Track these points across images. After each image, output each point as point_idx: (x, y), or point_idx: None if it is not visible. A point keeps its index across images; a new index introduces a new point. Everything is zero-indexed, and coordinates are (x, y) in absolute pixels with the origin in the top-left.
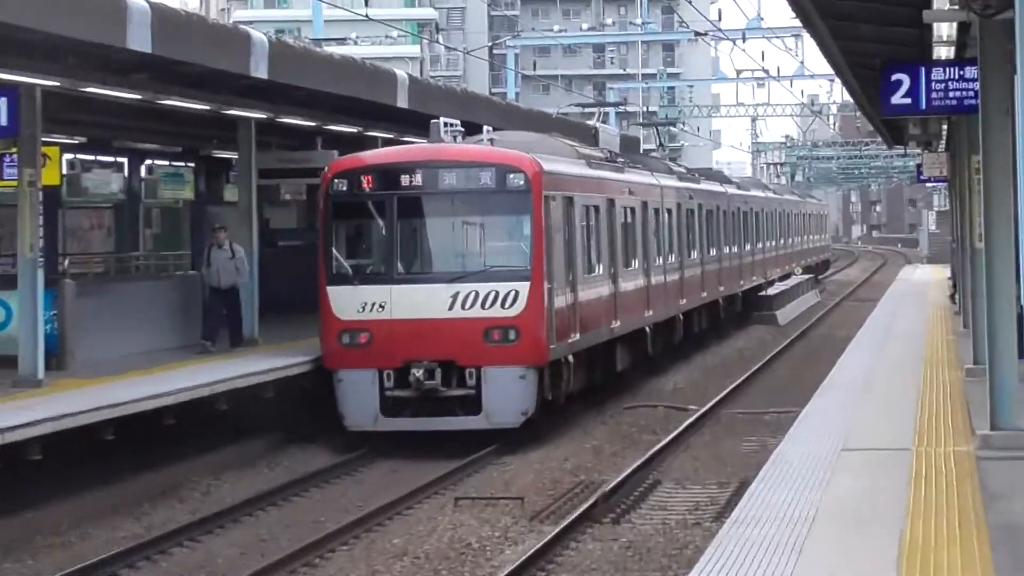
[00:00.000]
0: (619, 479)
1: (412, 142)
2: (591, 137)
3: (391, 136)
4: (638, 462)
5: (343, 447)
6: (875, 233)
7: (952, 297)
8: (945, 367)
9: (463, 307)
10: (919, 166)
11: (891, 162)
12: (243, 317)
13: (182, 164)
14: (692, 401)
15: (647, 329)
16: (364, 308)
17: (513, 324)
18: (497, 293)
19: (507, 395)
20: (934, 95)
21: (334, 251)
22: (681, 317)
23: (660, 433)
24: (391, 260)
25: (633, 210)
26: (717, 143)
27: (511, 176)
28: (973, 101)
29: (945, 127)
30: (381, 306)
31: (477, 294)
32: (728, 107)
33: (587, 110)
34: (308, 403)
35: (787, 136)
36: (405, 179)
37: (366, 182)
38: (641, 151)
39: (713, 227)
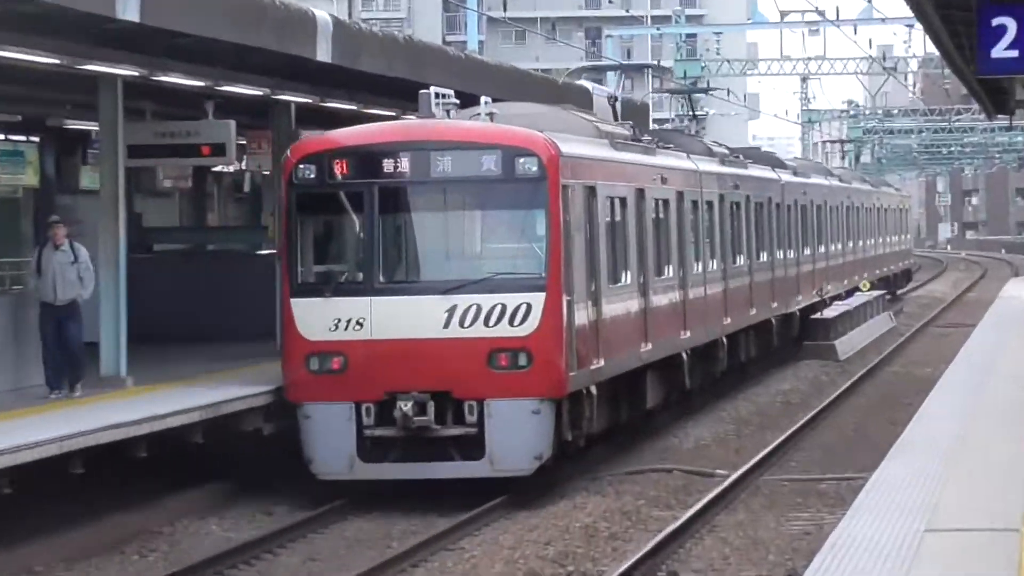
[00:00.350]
0: (619, 573)
1: (339, 109)
2: (587, 103)
3: (309, 100)
4: (645, 549)
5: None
6: (970, 234)
7: None
8: None
9: (462, 325)
10: None
11: (991, 137)
12: (106, 346)
13: (21, 139)
14: (720, 463)
15: (684, 355)
16: (338, 326)
17: (524, 346)
18: (504, 307)
19: (516, 435)
20: None
21: (299, 255)
22: (725, 341)
23: (676, 508)
24: (371, 266)
25: (666, 203)
26: (754, 111)
27: (521, 161)
28: None
29: None
30: (359, 323)
31: (479, 308)
32: (769, 62)
33: (592, 66)
34: (202, 463)
35: (850, 102)
36: (388, 164)
37: (339, 168)
38: (651, 123)
39: (764, 225)
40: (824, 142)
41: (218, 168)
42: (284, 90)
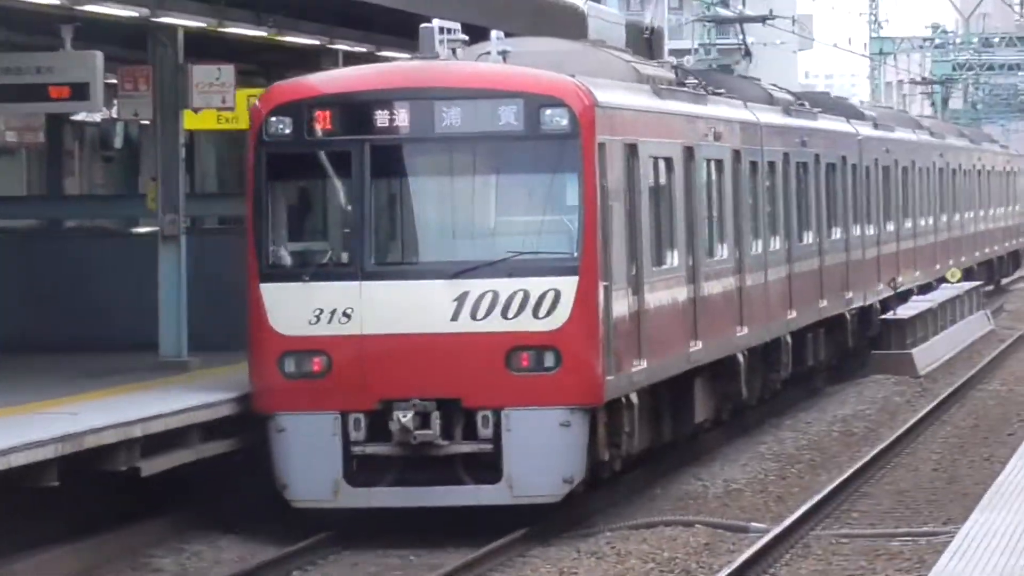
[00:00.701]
0: None
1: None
2: (580, 26)
3: (203, 24)
4: None
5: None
6: None
7: None
8: None
9: (474, 316)
10: None
11: None
12: None
13: None
14: (757, 514)
15: (740, 357)
16: (319, 318)
17: (551, 343)
18: (527, 295)
19: (541, 453)
20: None
21: (270, 229)
22: (789, 340)
23: (697, 575)
24: (361, 243)
25: (720, 164)
26: (806, 39)
27: (548, 112)
28: None
29: None
30: (346, 315)
31: (496, 296)
32: None
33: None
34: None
35: (935, 27)
36: (383, 117)
37: (321, 121)
38: (666, 54)
39: (838, 192)
40: (901, 82)
41: (80, 117)
42: (169, 10)
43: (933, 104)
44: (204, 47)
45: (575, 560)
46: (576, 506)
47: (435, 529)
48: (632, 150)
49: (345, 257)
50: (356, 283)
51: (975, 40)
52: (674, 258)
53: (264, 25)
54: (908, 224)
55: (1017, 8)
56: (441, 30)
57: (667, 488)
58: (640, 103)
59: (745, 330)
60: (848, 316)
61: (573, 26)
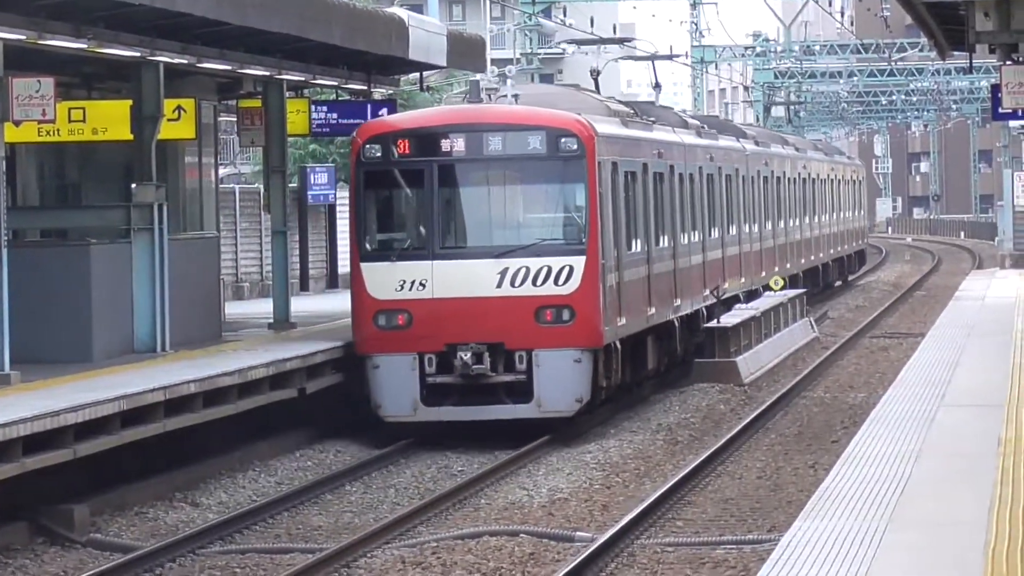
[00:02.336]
0: None
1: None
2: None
3: (24, 37)
4: None
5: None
6: (918, 212)
7: None
8: None
9: (512, 284)
10: (995, 89)
11: (946, 82)
12: None
13: None
14: (582, 523)
15: (675, 322)
16: (403, 286)
17: (567, 303)
18: (550, 269)
19: (561, 380)
20: None
21: (367, 225)
22: (705, 312)
23: None
24: (432, 233)
25: (661, 176)
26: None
27: (563, 140)
28: None
29: None
30: (421, 284)
31: (528, 270)
32: None
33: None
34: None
35: (757, 35)
36: (445, 144)
37: (401, 148)
38: (488, 62)
39: (733, 198)
40: (724, 88)
41: None
42: None
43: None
44: (24, 60)
45: (400, 572)
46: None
47: (483, 437)
48: (615, 166)
49: (420, 243)
50: (428, 262)
51: (796, 48)
52: (637, 245)
53: (84, 37)
54: (781, 225)
55: (838, 16)
56: (490, 89)
57: (492, 498)
58: (617, 132)
59: (679, 302)
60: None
61: (393, 35)
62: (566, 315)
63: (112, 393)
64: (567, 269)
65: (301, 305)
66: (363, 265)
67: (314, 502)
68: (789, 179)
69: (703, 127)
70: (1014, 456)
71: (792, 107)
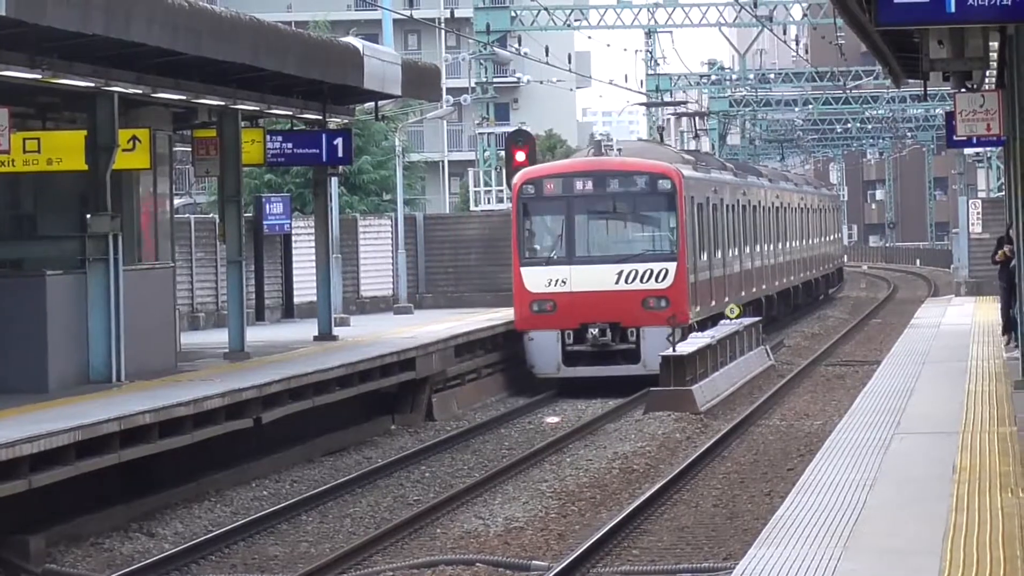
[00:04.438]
0: None
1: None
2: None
3: None
4: None
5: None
6: (874, 239)
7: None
8: (996, 486)
9: (626, 282)
10: (950, 116)
11: (901, 110)
12: None
13: None
14: (538, 552)
15: (762, 300)
16: (550, 283)
17: (664, 295)
18: (652, 271)
19: (660, 348)
20: None
21: (524, 240)
22: (776, 298)
23: None
24: (571, 246)
25: (715, 206)
26: (584, 77)
27: (661, 181)
28: None
29: (996, 45)
30: (563, 281)
31: (636, 272)
32: (602, 10)
33: (364, 19)
34: None
35: (712, 63)
36: (579, 184)
37: (549, 187)
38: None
39: (758, 222)
40: (678, 115)
41: None
42: None
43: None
44: None
45: None
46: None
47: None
48: (693, 199)
49: (562, 253)
50: (568, 266)
51: (751, 76)
52: (708, 255)
53: (38, 68)
54: (782, 245)
55: (793, 45)
56: (607, 145)
57: (448, 527)
58: (693, 174)
59: (743, 293)
60: (792, 289)
61: (348, 65)
62: (664, 303)
63: (67, 424)
64: (664, 271)
65: (257, 335)
66: (522, 269)
67: (270, 532)
68: (791, 208)
69: (735, 169)
70: (968, 483)
71: (747, 135)
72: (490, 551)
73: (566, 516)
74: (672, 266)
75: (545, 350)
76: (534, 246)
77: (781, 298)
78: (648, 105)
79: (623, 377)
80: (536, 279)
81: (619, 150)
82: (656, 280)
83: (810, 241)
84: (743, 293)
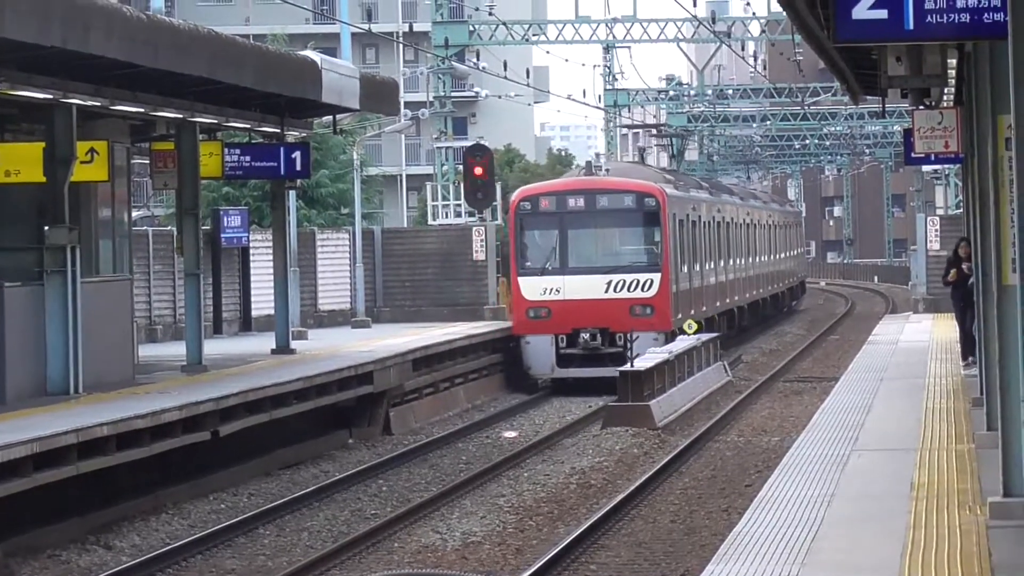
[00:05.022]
0: None
1: None
2: (315, 78)
3: None
4: None
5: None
6: (832, 256)
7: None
8: (954, 503)
9: (615, 291)
10: (908, 133)
11: (859, 126)
12: None
13: None
14: (495, 567)
15: (735, 310)
16: (545, 292)
17: (650, 303)
18: (638, 281)
19: (646, 351)
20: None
21: (522, 252)
22: (756, 304)
23: None
24: (564, 258)
25: (695, 223)
26: (542, 92)
27: (647, 199)
28: (999, 15)
29: (954, 63)
30: (557, 290)
31: (624, 281)
32: (561, 25)
33: (321, 32)
34: None
35: (670, 79)
36: (571, 201)
37: (544, 203)
38: (403, 104)
39: (731, 237)
40: (634, 128)
41: None
42: None
43: (665, 155)
44: None
45: None
46: None
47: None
48: (674, 215)
49: (556, 264)
50: (561, 276)
51: (709, 92)
52: (688, 267)
53: None
54: (751, 259)
55: (751, 61)
56: (597, 166)
57: (405, 541)
58: (675, 193)
59: (718, 304)
60: (761, 302)
61: (306, 78)
62: (649, 310)
63: (24, 435)
64: (649, 281)
65: (214, 348)
66: (520, 278)
67: (227, 545)
68: (760, 224)
69: (710, 188)
70: (927, 500)
71: (706, 151)
72: (447, 565)
73: (524, 531)
74: (657, 276)
75: (540, 353)
76: (530, 258)
77: (751, 309)
78: (640, 127)
79: (611, 378)
80: (532, 288)
81: (607, 170)
82: (642, 289)
83: (777, 256)
84: (718, 303)
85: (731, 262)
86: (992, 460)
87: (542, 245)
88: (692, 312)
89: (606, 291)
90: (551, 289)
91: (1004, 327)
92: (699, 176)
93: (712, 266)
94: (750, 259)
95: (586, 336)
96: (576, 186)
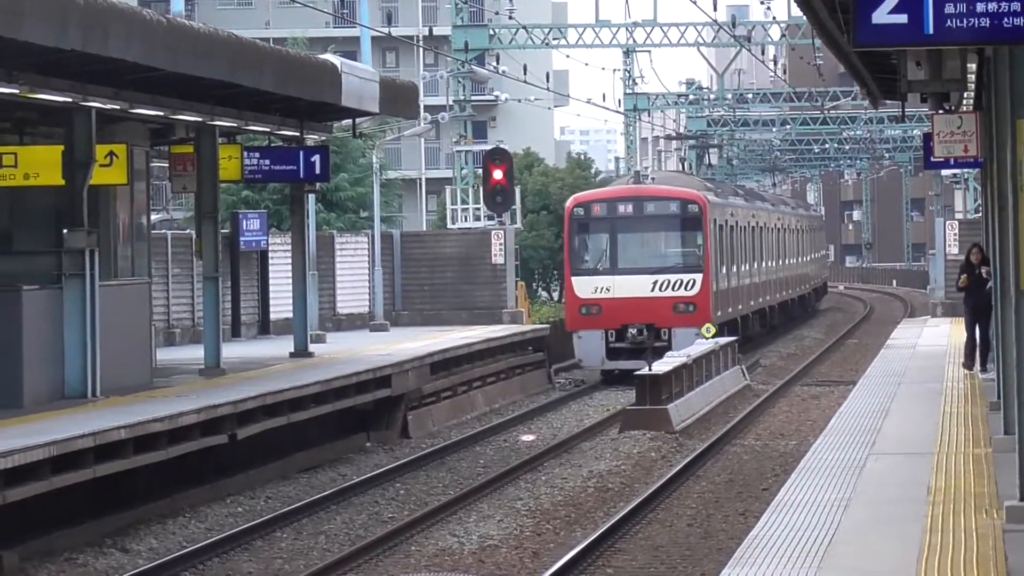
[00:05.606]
0: None
1: None
2: (334, 82)
3: None
4: None
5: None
6: (851, 260)
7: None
8: (970, 507)
9: (660, 289)
10: (927, 138)
11: (878, 131)
12: None
13: None
14: (512, 571)
15: (766, 309)
16: (596, 290)
17: (692, 301)
18: (682, 281)
19: (688, 344)
20: (950, 8)
21: (575, 253)
22: (784, 304)
23: None
24: (614, 259)
25: (733, 227)
26: (561, 96)
27: (690, 206)
28: (1020, 20)
29: (973, 67)
30: (607, 289)
31: (669, 281)
32: (581, 28)
33: (341, 36)
34: None
35: (690, 83)
36: (621, 207)
37: (596, 209)
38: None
39: (767, 241)
40: (657, 137)
41: None
42: None
43: (685, 160)
44: None
45: None
46: None
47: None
48: (715, 220)
49: (607, 265)
50: (611, 276)
51: (729, 96)
52: (727, 269)
53: (15, 83)
54: (787, 261)
55: (771, 65)
56: (645, 175)
57: (423, 544)
58: (715, 200)
59: (749, 303)
60: (801, 297)
61: (326, 82)
62: (692, 308)
63: (42, 439)
64: (692, 281)
65: (232, 351)
66: (573, 278)
67: (244, 548)
68: (788, 229)
69: (745, 195)
70: (943, 505)
71: (725, 155)
72: (464, 569)
73: (541, 534)
74: (699, 277)
75: (592, 346)
76: (583, 259)
77: (781, 308)
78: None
79: None
80: (584, 287)
81: (652, 179)
82: (685, 289)
83: (803, 258)
84: (752, 303)
85: (763, 264)
86: (1009, 464)
87: (593, 247)
88: (730, 310)
89: (652, 290)
90: (602, 288)
91: (1021, 332)
92: (732, 183)
93: (747, 268)
94: (780, 261)
95: (633, 331)
96: (625, 193)
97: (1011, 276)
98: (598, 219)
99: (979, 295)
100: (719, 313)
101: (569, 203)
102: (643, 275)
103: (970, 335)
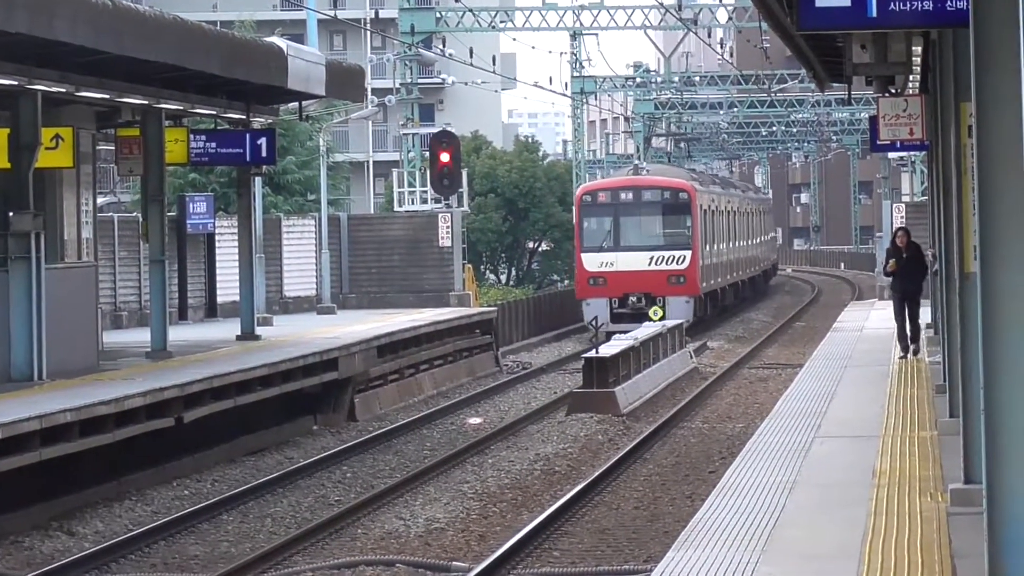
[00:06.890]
0: None
1: None
2: (281, 65)
3: None
4: None
5: None
6: (799, 243)
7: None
8: (915, 489)
9: (656, 264)
10: (873, 121)
11: (826, 113)
12: None
13: None
14: (459, 553)
15: (739, 283)
16: (602, 264)
17: (683, 273)
18: (674, 256)
19: (679, 311)
20: None
21: (584, 234)
22: (747, 281)
23: None
24: (617, 238)
25: (714, 212)
26: (509, 79)
27: (681, 193)
28: (962, 3)
29: (919, 50)
30: (611, 263)
31: (663, 257)
32: (528, 12)
33: (289, 19)
34: None
35: (637, 66)
36: (623, 195)
37: (601, 196)
38: (369, 91)
39: (738, 223)
40: (604, 120)
41: None
42: None
43: (632, 143)
44: None
45: None
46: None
47: None
48: (701, 206)
49: (610, 243)
50: (614, 252)
51: (676, 79)
52: (710, 247)
53: None
54: (748, 241)
55: (719, 48)
56: (642, 168)
57: (369, 527)
58: (701, 188)
59: (729, 276)
60: (759, 275)
61: (272, 65)
62: (682, 279)
63: None
64: (682, 256)
65: (179, 334)
66: (583, 254)
67: (191, 531)
68: (750, 212)
69: (721, 183)
70: (888, 487)
71: (674, 138)
72: (411, 552)
73: (487, 517)
74: (688, 253)
75: (598, 312)
76: (591, 238)
77: (750, 283)
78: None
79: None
80: (592, 261)
81: (647, 171)
82: (677, 263)
83: (761, 239)
84: (728, 277)
85: (735, 244)
86: (954, 447)
87: (599, 228)
88: (712, 282)
89: (649, 264)
90: (606, 263)
91: (966, 315)
92: (650, 160)
93: (724, 246)
94: (746, 241)
95: (633, 299)
96: (626, 183)
97: (955, 259)
98: (603, 205)
99: (907, 280)
100: (704, 284)
101: (578, 192)
102: (641, 252)
103: (900, 323)
